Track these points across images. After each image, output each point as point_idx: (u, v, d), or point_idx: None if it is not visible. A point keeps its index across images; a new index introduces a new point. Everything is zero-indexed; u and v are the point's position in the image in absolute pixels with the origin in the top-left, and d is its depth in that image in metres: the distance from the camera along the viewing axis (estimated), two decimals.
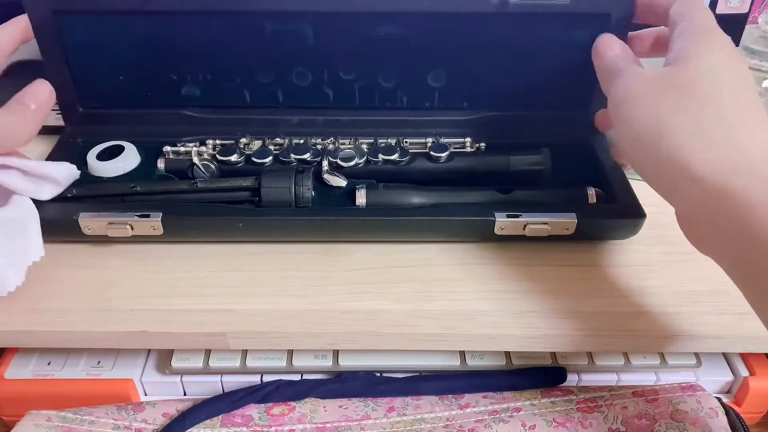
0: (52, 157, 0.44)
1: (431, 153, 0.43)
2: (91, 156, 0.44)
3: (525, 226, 0.39)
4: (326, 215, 0.40)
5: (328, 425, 0.37)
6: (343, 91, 0.45)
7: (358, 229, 0.40)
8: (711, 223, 0.28)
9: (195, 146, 0.44)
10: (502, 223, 0.39)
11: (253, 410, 0.38)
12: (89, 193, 0.41)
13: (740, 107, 0.29)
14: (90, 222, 0.39)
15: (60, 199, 0.40)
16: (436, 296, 0.38)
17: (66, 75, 0.44)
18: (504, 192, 0.41)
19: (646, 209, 0.40)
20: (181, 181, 0.42)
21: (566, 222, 0.39)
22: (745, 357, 0.45)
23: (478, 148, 0.45)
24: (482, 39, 0.43)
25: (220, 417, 0.38)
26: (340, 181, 0.42)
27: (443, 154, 0.43)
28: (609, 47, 0.37)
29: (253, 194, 0.41)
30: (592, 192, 0.41)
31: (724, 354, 0.45)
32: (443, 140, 0.45)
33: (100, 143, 0.45)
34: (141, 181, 0.42)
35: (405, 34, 0.43)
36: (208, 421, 0.38)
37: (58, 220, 0.39)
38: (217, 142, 0.45)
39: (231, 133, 0.45)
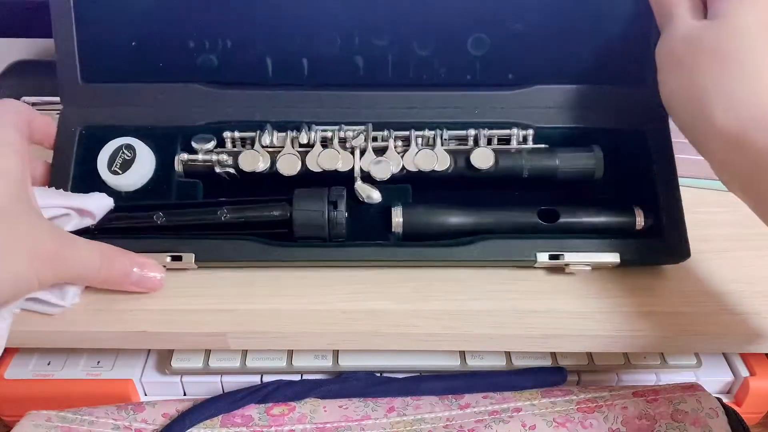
0: (56, 156, 0.40)
1: (473, 164, 0.40)
2: (103, 168, 0.40)
3: (566, 265, 0.39)
4: (363, 255, 0.39)
5: (328, 425, 0.37)
6: (374, 62, 0.41)
7: (395, 265, 0.39)
8: (733, 167, 0.32)
9: (213, 147, 0.40)
10: (544, 262, 0.39)
11: (253, 410, 0.38)
12: (111, 226, 0.39)
13: (762, 66, 0.32)
14: None
15: (80, 231, 0.37)
16: (436, 296, 0.38)
17: (72, 41, 0.40)
18: (547, 216, 0.39)
19: None
20: (207, 211, 0.39)
21: (608, 262, 0.38)
22: (745, 357, 0.45)
23: (525, 138, 0.41)
24: None
25: (220, 417, 0.38)
26: (374, 196, 0.39)
27: (486, 167, 0.40)
28: None
29: (283, 223, 0.39)
30: (640, 217, 0.39)
31: (724, 354, 0.45)
32: (487, 132, 0.40)
33: (104, 132, 0.41)
34: (163, 202, 0.40)
35: None
36: (208, 421, 0.37)
37: None
38: (236, 135, 0.40)
39: (249, 114, 0.41)
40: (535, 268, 0.39)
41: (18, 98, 0.49)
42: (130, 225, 0.39)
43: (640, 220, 0.39)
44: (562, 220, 0.39)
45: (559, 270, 0.40)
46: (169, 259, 0.38)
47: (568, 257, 0.38)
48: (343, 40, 0.41)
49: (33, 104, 0.49)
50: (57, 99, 0.49)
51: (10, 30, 0.53)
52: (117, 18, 0.40)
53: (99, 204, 0.38)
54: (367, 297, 0.38)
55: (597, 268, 0.39)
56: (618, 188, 0.41)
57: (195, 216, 0.39)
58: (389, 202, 0.40)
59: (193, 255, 0.38)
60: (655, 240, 0.39)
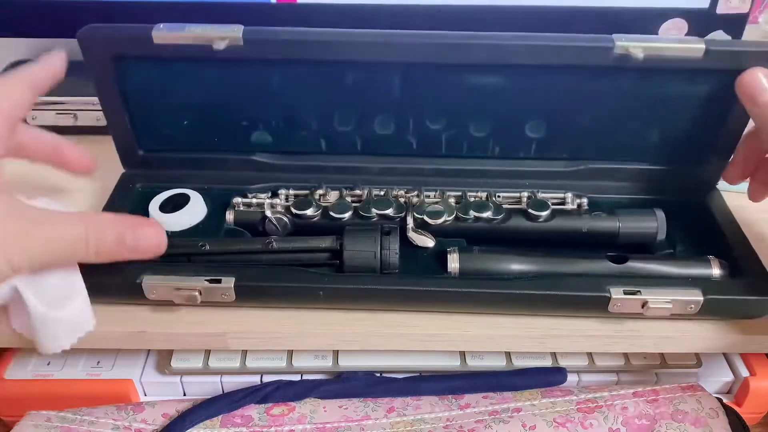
0: (110, 203, 0.41)
1: (529, 211, 0.39)
2: (154, 207, 0.40)
3: (644, 304, 0.35)
4: (418, 286, 0.36)
5: (328, 425, 0.37)
6: (428, 140, 0.42)
7: (453, 300, 0.36)
8: None
9: (267, 197, 0.41)
10: (618, 300, 0.35)
11: (252, 410, 0.38)
12: None
13: None
14: (155, 286, 0.35)
15: None
16: None
17: (124, 118, 0.41)
18: (616, 261, 0.37)
19: None
20: (254, 240, 0.39)
21: (691, 300, 0.35)
22: (745, 357, 0.45)
23: (580, 205, 0.41)
24: (591, 91, 0.39)
25: (219, 417, 0.38)
26: (428, 241, 0.38)
27: (543, 213, 0.39)
28: (762, 91, 0.34)
29: (332, 256, 0.37)
30: (716, 264, 0.37)
31: (724, 354, 0.45)
32: (541, 194, 0.41)
33: (162, 190, 0.42)
34: (210, 238, 0.38)
35: (504, 85, 0.39)
36: (207, 421, 0.37)
37: (120, 284, 0.36)
38: (291, 192, 0.42)
39: (305, 180, 0.42)
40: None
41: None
42: (173, 251, 0.36)
43: (716, 266, 0.37)
44: (634, 264, 0.37)
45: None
46: (206, 282, 0.35)
47: (647, 295, 0.35)
48: (397, 122, 0.41)
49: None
50: (56, 99, 0.49)
51: (10, 30, 0.53)
52: (172, 100, 0.41)
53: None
54: None
55: (676, 314, 0.36)
56: (684, 247, 0.40)
57: (241, 245, 0.38)
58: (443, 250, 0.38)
59: (233, 278, 0.35)
60: (738, 280, 0.36)
